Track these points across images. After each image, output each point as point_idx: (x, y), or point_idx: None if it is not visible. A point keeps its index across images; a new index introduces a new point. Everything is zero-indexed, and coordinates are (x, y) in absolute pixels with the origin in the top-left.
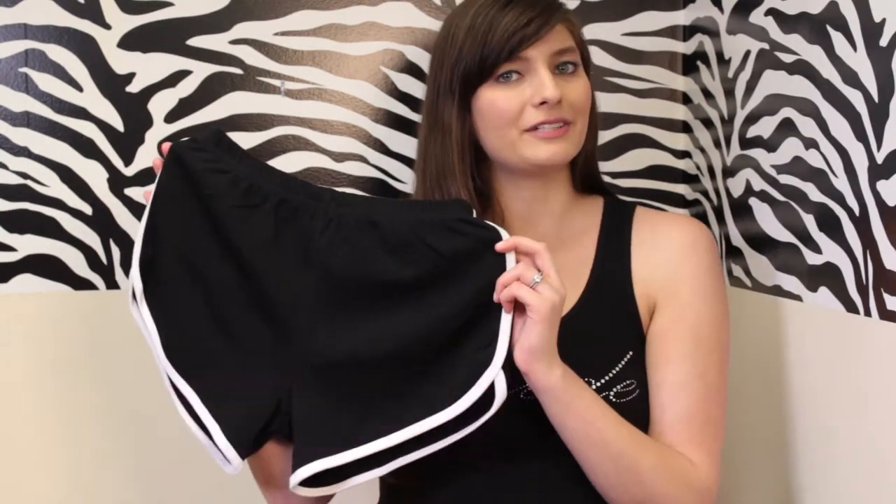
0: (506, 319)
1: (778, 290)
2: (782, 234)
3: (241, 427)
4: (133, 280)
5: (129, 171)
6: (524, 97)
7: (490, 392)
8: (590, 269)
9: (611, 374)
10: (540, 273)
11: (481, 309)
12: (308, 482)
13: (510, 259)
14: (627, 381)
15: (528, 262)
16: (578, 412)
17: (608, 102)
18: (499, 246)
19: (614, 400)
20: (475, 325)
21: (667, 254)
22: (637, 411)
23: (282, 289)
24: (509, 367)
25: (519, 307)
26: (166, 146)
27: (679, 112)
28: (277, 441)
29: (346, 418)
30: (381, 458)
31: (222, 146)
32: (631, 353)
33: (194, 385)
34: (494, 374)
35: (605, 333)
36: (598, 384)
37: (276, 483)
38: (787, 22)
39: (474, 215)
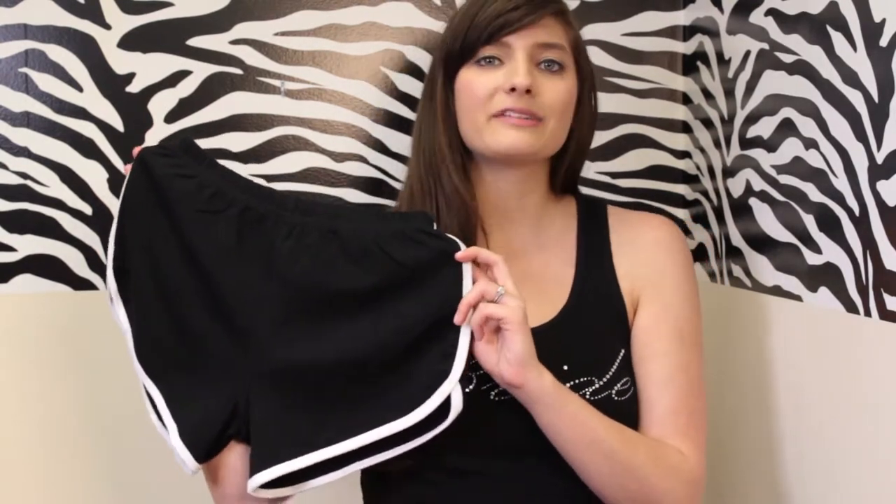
0: (465, 332)
1: (778, 291)
2: (782, 234)
3: (197, 430)
4: (109, 282)
5: None
6: (497, 82)
7: (448, 402)
8: (573, 269)
9: (611, 373)
10: (500, 286)
11: (440, 321)
12: (266, 485)
13: (467, 270)
14: (625, 380)
15: (486, 278)
16: (570, 415)
17: (608, 102)
18: (459, 255)
19: (616, 398)
20: (434, 337)
21: (646, 252)
22: (634, 408)
23: (242, 294)
24: (466, 378)
25: (488, 328)
26: (136, 151)
27: (679, 112)
28: (234, 445)
29: (304, 423)
30: (339, 461)
31: (191, 153)
32: (623, 350)
33: (160, 387)
34: (451, 387)
35: (599, 332)
36: (601, 383)
37: (228, 486)
38: (787, 22)
39: (435, 227)
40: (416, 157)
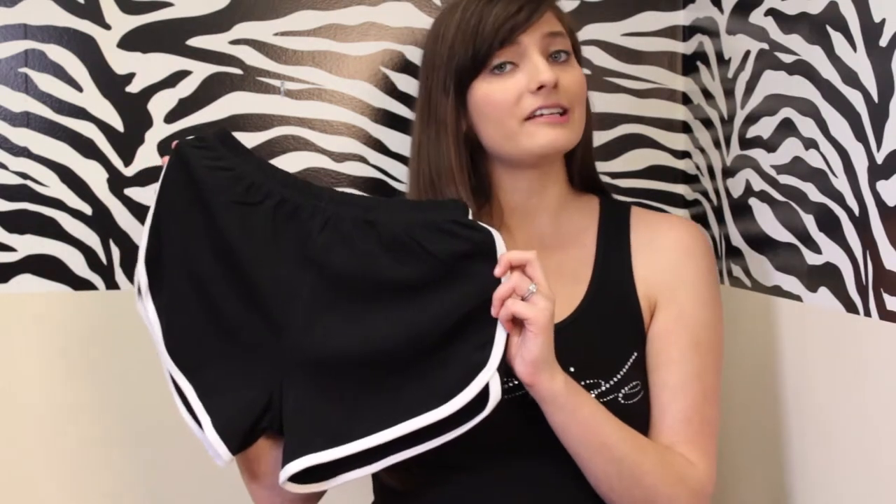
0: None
1: (778, 291)
2: (782, 235)
3: (231, 421)
4: (139, 275)
5: (129, 172)
6: (520, 86)
7: (483, 393)
8: (591, 269)
9: (619, 376)
10: (533, 283)
11: (475, 311)
12: (297, 478)
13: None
14: (634, 383)
15: (520, 272)
16: (582, 418)
17: (608, 102)
18: (497, 272)
19: (623, 402)
20: (469, 327)
21: (667, 256)
22: (642, 413)
23: (277, 286)
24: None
25: (514, 321)
26: (175, 144)
27: (679, 112)
28: (268, 437)
29: (338, 414)
30: (371, 455)
31: (227, 145)
32: (636, 354)
33: (192, 380)
34: (489, 376)
35: (612, 334)
36: (608, 385)
37: (263, 480)
38: (787, 22)
39: (470, 216)
40: (415, 176)
